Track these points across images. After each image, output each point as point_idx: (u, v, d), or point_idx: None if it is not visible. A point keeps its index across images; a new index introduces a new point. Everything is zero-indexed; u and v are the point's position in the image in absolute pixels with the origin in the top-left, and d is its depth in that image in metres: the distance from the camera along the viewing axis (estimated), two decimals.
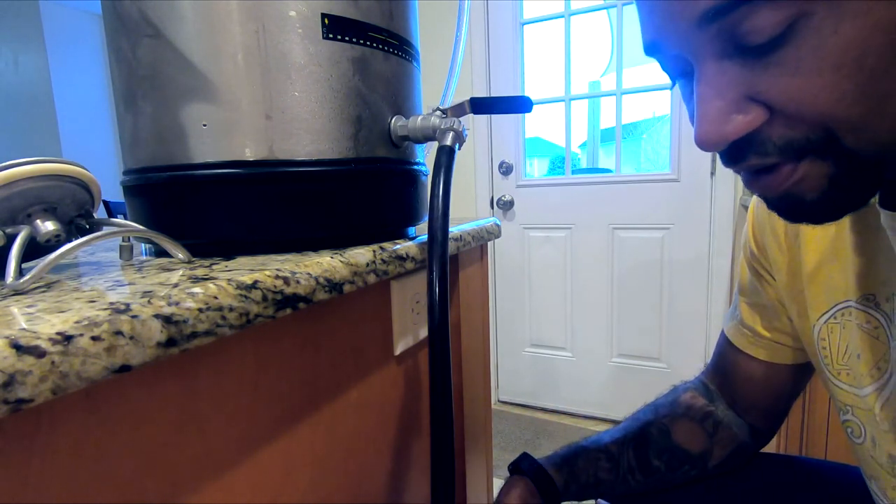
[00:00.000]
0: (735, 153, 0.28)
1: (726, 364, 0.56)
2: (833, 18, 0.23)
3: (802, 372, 0.52)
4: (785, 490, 0.54)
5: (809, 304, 0.44)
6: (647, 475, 0.54)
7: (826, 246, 0.42)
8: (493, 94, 1.88)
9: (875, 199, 0.35)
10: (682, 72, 0.30)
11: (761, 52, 0.25)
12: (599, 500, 0.54)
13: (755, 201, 0.50)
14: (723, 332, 0.56)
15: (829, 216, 0.30)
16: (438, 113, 0.44)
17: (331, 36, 0.38)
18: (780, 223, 0.46)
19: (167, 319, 0.24)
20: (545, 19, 1.81)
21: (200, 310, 0.26)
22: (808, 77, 0.24)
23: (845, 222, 0.40)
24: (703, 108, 0.27)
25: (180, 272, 0.32)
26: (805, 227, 0.44)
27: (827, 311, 0.42)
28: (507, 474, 0.57)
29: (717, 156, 1.53)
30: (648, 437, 0.55)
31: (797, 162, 0.27)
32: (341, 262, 0.37)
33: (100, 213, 0.56)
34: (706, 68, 0.27)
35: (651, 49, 0.30)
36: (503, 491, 0.54)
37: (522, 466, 0.54)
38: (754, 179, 0.30)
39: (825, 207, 0.28)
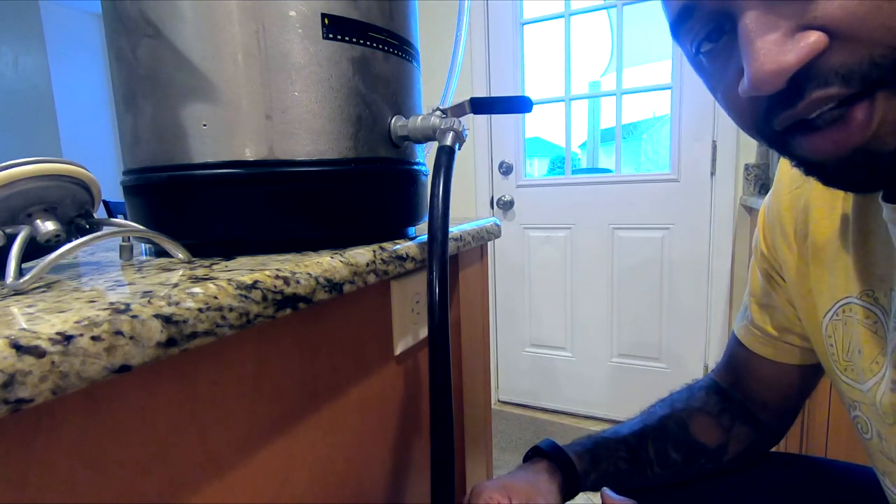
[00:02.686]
0: (793, 91, 0.25)
1: (737, 364, 0.56)
2: None
3: (812, 372, 0.52)
4: (798, 489, 0.54)
5: (817, 303, 0.44)
6: (664, 467, 0.54)
7: (831, 244, 0.42)
8: (493, 94, 1.88)
9: (879, 194, 0.35)
10: (707, 33, 0.28)
11: None
12: (604, 489, 0.54)
13: (765, 205, 0.50)
14: (733, 332, 0.57)
15: None
16: (438, 113, 0.44)
17: (331, 36, 0.38)
18: (790, 225, 0.46)
19: (167, 319, 0.24)
20: (545, 19, 1.81)
21: (200, 310, 0.26)
22: None
23: (849, 219, 0.40)
24: (757, 44, 0.24)
25: (180, 272, 0.32)
26: (813, 227, 0.43)
27: (830, 309, 0.42)
28: (514, 469, 0.56)
29: (717, 156, 1.51)
30: (666, 429, 0.55)
31: (869, 98, 0.24)
32: (341, 262, 0.37)
33: (100, 213, 0.56)
34: (753, 7, 0.25)
35: (682, 16, 0.28)
36: (524, 467, 0.53)
37: (543, 447, 0.54)
38: (823, 135, 0.26)
39: None
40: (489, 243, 0.73)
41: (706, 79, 0.32)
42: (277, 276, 0.31)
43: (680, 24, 0.29)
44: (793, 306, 0.48)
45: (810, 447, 0.99)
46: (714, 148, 1.62)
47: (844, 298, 0.41)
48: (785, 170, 0.47)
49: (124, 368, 0.23)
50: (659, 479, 0.55)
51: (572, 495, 0.52)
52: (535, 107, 0.51)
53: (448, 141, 0.43)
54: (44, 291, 0.27)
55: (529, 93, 1.91)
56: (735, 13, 0.26)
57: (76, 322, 0.21)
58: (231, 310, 0.28)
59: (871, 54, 0.23)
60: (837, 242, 0.41)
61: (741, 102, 0.29)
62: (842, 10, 0.23)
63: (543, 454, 0.53)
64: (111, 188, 1.22)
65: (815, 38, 0.24)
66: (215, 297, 0.27)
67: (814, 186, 0.43)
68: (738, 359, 0.56)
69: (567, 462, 0.52)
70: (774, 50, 0.24)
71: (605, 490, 0.53)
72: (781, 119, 0.27)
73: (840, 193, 0.41)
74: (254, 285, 0.29)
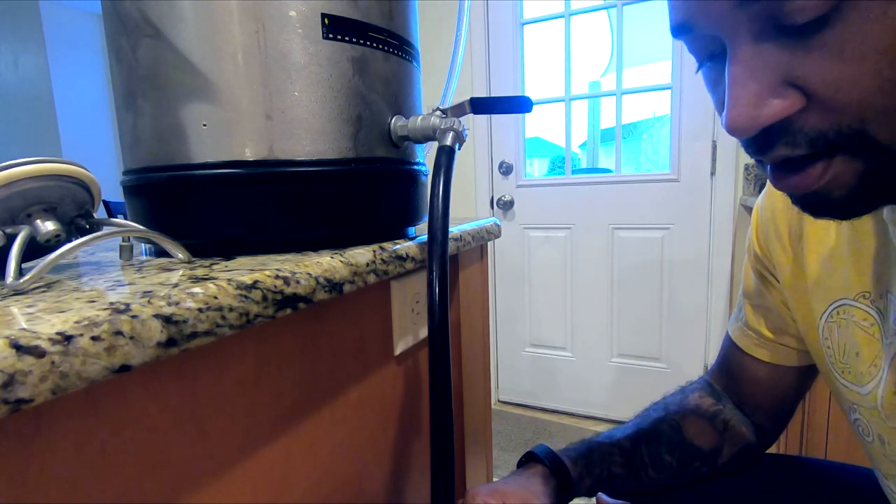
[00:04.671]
0: (763, 142, 0.27)
1: (731, 366, 0.56)
2: (881, 0, 0.22)
3: (807, 373, 0.52)
4: (793, 491, 0.54)
5: (813, 305, 0.44)
6: (659, 471, 0.54)
7: (828, 246, 0.42)
8: (493, 94, 1.88)
9: None
10: (710, 54, 0.29)
11: (802, 34, 0.24)
12: (599, 493, 0.54)
13: (758, 205, 0.50)
14: (727, 334, 0.56)
15: (854, 212, 0.29)
16: (438, 113, 0.44)
17: (331, 36, 0.38)
18: (784, 226, 0.46)
19: (167, 319, 0.24)
20: (545, 19, 1.81)
21: (200, 310, 0.26)
22: (850, 62, 0.23)
23: (845, 222, 0.40)
24: (737, 91, 0.25)
25: (180, 272, 0.32)
26: (808, 228, 0.44)
27: (825, 311, 0.42)
28: (508, 474, 0.56)
29: (717, 156, 1.52)
30: (660, 433, 0.55)
31: (829, 158, 0.26)
32: (341, 262, 0.37)
33: (100, 213, 0.56)
34: (742, 49, 0.25)
35: (680, 30, 0.29)
36: (518, 472, 0.52)
37: (537, 452, 0.53)
38: (783, 177, 0.28)
39: (851, 204, 0.28)
40: (489, 243, 0.73)
41: (707, 84, 0.32)
42: (277, 276, 0.31)
43: (678, 36, 0.30)
44: (787, 307, 0.48)
45: (810, 448, 0.99)
46: (714, 148, 1.62)
47: (839, 300, 0.41)
48: None
49: (124, 368, 0.23)
50: (654, 482, 0.55)
51: (567, 500, 0.51)
52: (535, 107, 0.51)
53: (448, 141, 0.43)
54: (44, 291, 0.27)
55: (529, 93, 1.91)
56: (728, 45, 0.26)
57: (76, 322, 0.21)
58: (231, 310, 0.28)
59: (839, 123, 0.25)
60: (833, 243, 0.41)
61: None
62: (823, 78, 0.24)
63: (538, 459, 0.53)
64: (111, 188, 1.21)
65: (791, 101, 0.25)
66: (215, 297, 0.27)
67: None
68: (732, 361, 0.56)
69: (561, 467, 0.51)
70: (752, 103, 0.25)
71: (601, 495, 0.53)
72: (751, 155, 0.30)
73: None
74: (254, 285, 0.29)
